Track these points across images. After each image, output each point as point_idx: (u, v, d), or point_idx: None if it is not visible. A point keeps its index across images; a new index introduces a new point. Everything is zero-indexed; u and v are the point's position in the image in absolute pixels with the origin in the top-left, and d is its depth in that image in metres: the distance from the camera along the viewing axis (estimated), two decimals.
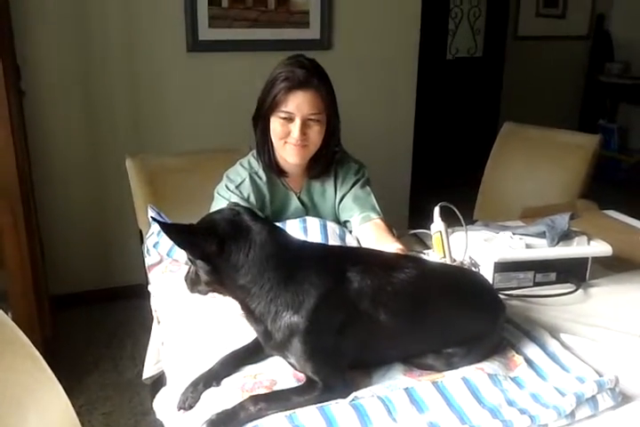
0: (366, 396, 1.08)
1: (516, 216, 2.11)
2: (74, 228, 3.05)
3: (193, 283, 1.20)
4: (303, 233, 1.60)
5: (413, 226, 1.84)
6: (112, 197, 3.00)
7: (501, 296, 1.39)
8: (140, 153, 2.34)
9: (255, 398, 1.07)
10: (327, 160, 1.72)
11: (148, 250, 1.76)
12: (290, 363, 1.15)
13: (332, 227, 1.66)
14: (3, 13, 2.40)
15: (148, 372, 1.75)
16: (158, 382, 1.71)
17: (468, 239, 1.52)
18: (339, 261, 1.16)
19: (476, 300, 1.25)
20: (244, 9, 3.04)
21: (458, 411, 1.05)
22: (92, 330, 2.90)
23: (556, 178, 2.57)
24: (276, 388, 1.12)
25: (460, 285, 1.27)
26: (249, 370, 1.19)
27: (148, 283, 1.74)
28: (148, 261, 1.75)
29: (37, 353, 1.05)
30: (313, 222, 1.65)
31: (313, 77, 1.57)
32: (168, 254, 1.70)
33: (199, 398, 1.14)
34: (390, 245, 1.54)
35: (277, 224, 1.55)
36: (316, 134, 1.61)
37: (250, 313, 1.13)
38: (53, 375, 1.08)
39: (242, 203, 1.61)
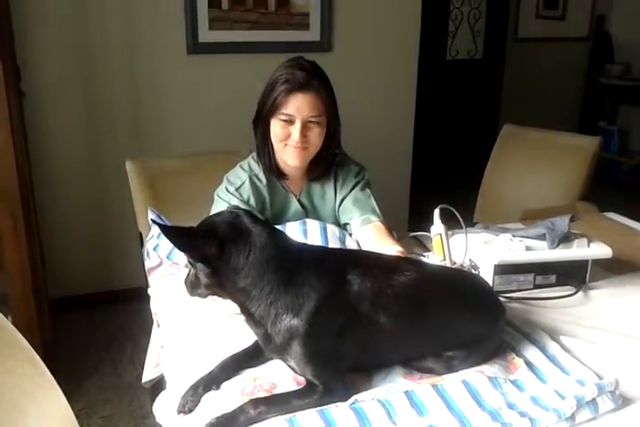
0: (366, 399, 1.08)
1: (516, 218, 2.11)
2: (74, 230, 3.05)
3: (193, 286, 1.20)
4: (303, 236, 1.60)
5: (413, 228, 1.84)
6: (112, 200, 3.00)
7: (501, 299, 1.39)
8: (140, 155, 2.34)
9: (255, 402, 1.06)
10: (327, 162, 1.72)
11: (147, 253, 1.76)
12: (290, 366, 1.15)
13: (332, 229, 1.66)
14: (3, 15, 2.41)
15: (148, 375, 1.75)
16: (158, 385, 1.70)
17: (467, 242, 1.52)
18: (339, 264, 1.16)
19: (476, 302, 1.25)
20: (244, 11, 3.04)
21: (458, 414, 1.05)
22: (92, 333, 2.89)
23: (555, 180, 2.57)
24: (275, 391, 1.12)
25: (460, 287, 1.27)
26: (249, 373, 1.19)
27: (147, 286, 1.74)
28: (148, 264, 1.75)
29: (37, 356, 1.05)
30: (313, 225, 1.65)
31: (313, 80, 1.57)
32: (168, 257, 1.70)
33: (199, 402, 1.14)
34: (390, 248, 1.54)
35: (277, 227, 1.55)
36: (316, 137, 1.61)
37: (250, 316, 1.13)
38: (53, 379, 1.08)
39: (242, 205, 1.62)
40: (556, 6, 5.31)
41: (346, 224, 1.74)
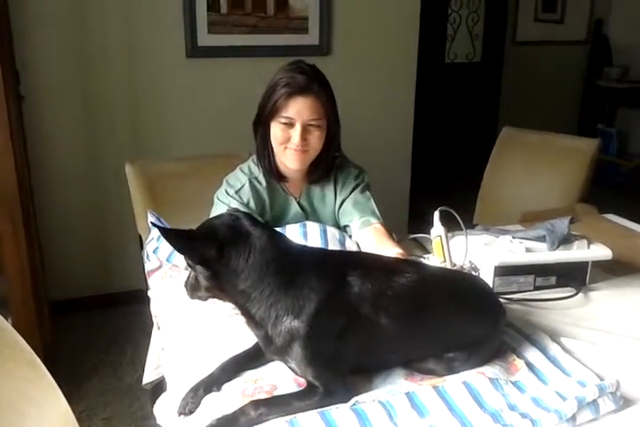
0: (367, 400, 1.08)
1: (516, 220, 2.11)
2: (73, 233, 3.05)
3: (193, 289, 1.20)
4: (303, 238, 1.60)
5: (413, 230, 1.84)
6: (111, 203, 3.00)
7: (502, 300, 1.39)
8: (139, 158, 2.34)
9: (256, 403, 1.06)
10: (327, 165, 1.72)
11: (147, 255, 1.76)
12: (290, 368, 1.15)
13: (332, 232, 1.66)
14: (2, 18, 2.41)
15: (149, 377, 1.75)
16: (158, 387, 1.70)
17: (467, 243, 1.52)
18: (339, 266, 1.16)
19: (477, 304, 1.25)
20: (243, 15, 3.04)
21: (459, 415, 1.05)
22: (92, 335, 2.89)
23: (555, 182, 2.58)
24: (276, 393, 1.12)
25: (460, 289, 1.27)
26: (249, 375, 1.19)
27: (147, 288, 1.74)
28: (148, 266, 1.75)
29: (37, 359, 1.05)
30: (313, 227, 1.65)
31: (313, 83, 1.57)
32: (168, 260, 1.70)
33: (199, 404, 1.14)
34: (390, 250, 1.54)
35: (277, 229, 1.55)
36: (316, 140, 1.61)
37: (250, 318, 1.13)
38: (53, 381, 1.08)
39: (241, 208, 1.61)
40: (555, 10, 5.32)
41: (346, 226, 1.74)
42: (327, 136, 1.64)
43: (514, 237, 1.59)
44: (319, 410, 1.06)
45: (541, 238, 1.58)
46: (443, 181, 4.70)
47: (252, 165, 1.75)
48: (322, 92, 1.59)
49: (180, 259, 1.63)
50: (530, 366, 1.20)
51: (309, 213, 1.76)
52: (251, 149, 1.78)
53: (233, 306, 1.17)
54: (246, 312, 1.13)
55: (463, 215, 1.53)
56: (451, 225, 1.52)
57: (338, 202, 1.76)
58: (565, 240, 1.57)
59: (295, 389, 1.12)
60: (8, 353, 1.01)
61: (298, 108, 1.57)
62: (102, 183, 3.01)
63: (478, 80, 5.16)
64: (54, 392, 1.08)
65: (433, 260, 1.53)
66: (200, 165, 2.32)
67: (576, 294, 1.55)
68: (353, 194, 1.74)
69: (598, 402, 1.08)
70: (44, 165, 2.89)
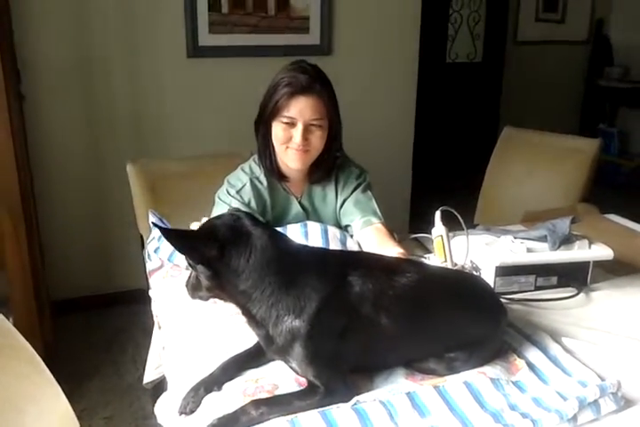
0: (368, 400, 1.08)
1: (517, 220, 2.11)
2: (74, 233, 3.05)
3: (194, 288, 1.20)
4: (304, 238, 1.60)
5: (414, 230, 1.84)
6: (112, 203, 3.00)
7: (503, 300, 1.39)
8: (140, 158, 2.34)
9: (257, 403, 1.06)
10: (328, 165, 1.72)
11: (148, 255, 1.76)
12: (291, 367, 1.15)
13: (333, 231, 1.66)
14: (3, 17, 2.41)
15: (149, 376, 1.75)
16: (159, 386, 1.70)
17: (469, 243, 1.52)
18: (340, 266, 1.16)
19: (478, 304, 1.25)
20: (244, 15, 3.04)
21: (460, 415, 1.05)
22: (93, 335, 2.89)
23: (556, 182, 2.57)
24: (277, 392, 1.12)
25: (461, 289, 1.27)
26: (250, 374, 1.19)
27: (148, 288, 1.74)
28: (149, 266, 1.75)
29: (38, 358, 1.05)
30: (314, 227, 1.65)
31: (315, 83, 1.57)
32: (169, 260, 1.70)
33: (200, 403, 1.14)
34: (391, 250, 1.54)
35: (278, 229, 1.55)
36: (317, 139, 1.61)
37: (251, 318, 1.13)
38: (53, 379, 1.08)
39: (242, 208, 1.62)
40: (556, 10, 5.32)
41: (347, 226, 1.74)
42: (329, 136, 1.64)
43: (515, 237, 1.59)
44: (320, 409, 1.06)
45: (543, 238, 1.58)
46: (444, 180, 4.70)
47: (253, 165, 1.75)
48: (324, 91, 1.59)
49: (181, 259, 1.63)
50: (531, 366, 1.20)
51: (310, 213, 1.76)
52: (251, 148, 1.78)
53: (234, 306, 1.17)
54: (247, 312, 1.13)
55: (464, 215, 1.53)
56: (452, 225, 1.52)
57: (339, 202, 1.76)
58: (567, 240, 1.57)
59: (296, 388, 1.12)
60: (9, 352, 1.01)
61: (300, 108, 1.57)
62: (103, 183, 3.01)
63: (479, 80, 5.16)
64: (54, 391, 1.08)
65: (434, 260, 1.53)
66: (201, 165, 2.32)
67: (577, 295, 1.55)
68: (354, 194, 1.74)
69: (599, 402, 1.08)
70: (45, 165, 2.89)
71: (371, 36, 3.30)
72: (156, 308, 1.66)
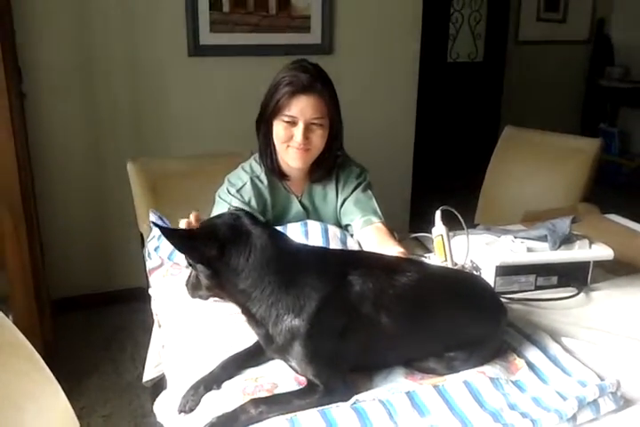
0: (367, 399, 1.08)
1: (518, 220, 2.11)
2: (75, 231, 3.05)
3: (194, 288, 1.20)
4: (304, 237, 1.60)
5: (414, 230, 1.85)
6: (113, 201, 3.00)
7: (503, 300, 1.38)
8: (141, 157, 2.34)
9: (256, 402, 1.06)
10: (329, 164, 1.72)
11: (149, 253, 1.76)
12: (291, 366, 1.15)
13: (334, 230, 1.66)
14: (4, 16, 2.41)
15: (149, 375, 1.75)
16: (158, 384, 1.70)
17: (469, 243, 1.52)
18: (340, 265, 1.16)
19: (478, 303, 1.25)
20: (245, 14, 3.04)
21: (459, 415, 1.05)
22: (93, 333, 2.90)
23: (557, 182, 2.57)
24: (277, 391, 1.12)
25: (461, 288, 1.27)
26: (250, 373, 1.19)
27: (148, 286, 1.74)
28: (149, 264, 1.75)
29: (38, 356, 1.05)
30: (314, 226, 1.65)
31: (316, 82, 1.57)
32: (169, 258, 1.70)
33: (200, 402, 1.14)
34: (391, 249, 1.54)
35: (279, 228, 1.55)
36: (318, 138, 1.61)
37: (251, 317, 1.13)
38: (53, 377, 1.08)
39: (243, 207, 1.62)
40: (557, 9, 5.32)
41: (347, 225, 1.74)
42: (329, 135, 1.64)
43: (515, 237, 1.59)
44: (319, 408, 1.06)
45: (543, 238, 1.58)
46: (444, 180, 4.70)
47: (253, 164, 1.75)
48: (325, 90, 1.59)
49: (181, 257, 1.63)
50: (530, 365, 1.20)
51: (311, 212, 1.76)
52: (252, 147, 1.78)
53: (234, 305, 1.17)
54: (247, 311, 1.13)
55: (464, 215, 1.53)
56: (452, 224, 1.52)
57: (339, 201, 1.76)
58: (567, 240, 1.57)
59: (295, 387, 1.12)
60: (9, 350, 1.01)
61: (301, 107, 1.57)
62: (104, 182, 3.01)
63: (480, 79, 5.16)
64: (54, 388, 1.08)
65: (434, 259, 1.53)
66: (202, 164, 2.32)
67: (577, 294, 1.55)
68: (354, 193, 1.74)
69: (599, 402, 1.08)
70: (46, 163, 2.89)
71: (372, 35, 3.30)
72: (156, 306, 1.66)
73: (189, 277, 1.22)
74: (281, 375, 1.16)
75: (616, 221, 2.10)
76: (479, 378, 1.13)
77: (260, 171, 1.73)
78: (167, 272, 1.68)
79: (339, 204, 1.76)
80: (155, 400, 1.40)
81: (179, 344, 1.39)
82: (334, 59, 3.22)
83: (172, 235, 1.10)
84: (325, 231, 1.63)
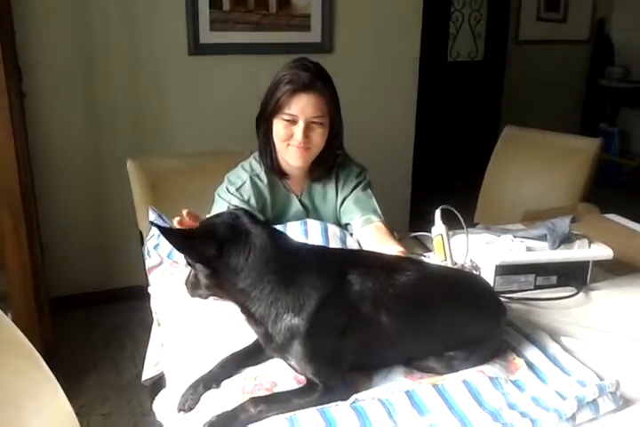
0: (367, 398, 1.08)
1: (517, 219, 2.11)
2: (74, 230, 3.05)
3: (193, 287, 1.20)
4: (304, 236, 1.60)
5: (414, 229, 1.85)
6: (112, 200, 3.00)
7: (502, 299, 1.39)
8: (140, 155, 2.35)
9: (255, 400, 1.06)
10: (329, 163, 1.72)
11: (148, 252, 1.76)
12: (290, 365, 1.15)
13: (333, 229, 1.66)
14: (4, 15, 2.41)
15: (148, 373, 1.75)
16: (158, 383, 1.71)
17: (468, 242, 1.52)
18: (339, 264, 1.16)
19: (478, 303, 1.25)
20: (245, 12, 3.04)
21: (458, 414, 1.05)
22: (92, 331, 2.90)
23: (557, 181, 2.57)
24: (276, 390, 1.12)
25: (461, 288, 1.27)
26: (249, 372, 1.19)
27: (148, 285, 1.74)
28: (149, 263, 1.75)
29: (37, 354, 1.05)
30: (314, 225, 1.65)
31: (317, 81, 1.57)
32: (168, 256, 1.70)
33: (199, 400, 1.14)
34: (391, 248, 1.54)
35: (278, 227, 1.55)
36: (318, 137, 1.61)
37: (250, 316, 1.13)
38: (52, 376, 1.08)
39: (242, 205, 1.62)
40: (557, 9, 5.32)
41: (347, 224, 1.74)
42: (329, 134, 1.63)
43: (515, 236, 1.59)
44: (319, 407, 1.06)
45: (542, 238, 1.58)
46: (444, 179, 4.70)
47: (253, 163, 1.75)
48: (325, 89, 1.59)
49: (180, 255, 1.63)
50: (530, 365, 1.20)
51: (310, 211, 1.76)
52: (252, 146, 1.78)
53: (233, 304, 1.17)
54: (246, 310, 1.13)
55: (464, 214, 1.53)
56: (452, 224, 1.52)
57: (339, 200, 1.76)
58: (566, 240, 1.57)
59: (295, 386, 1.12)
60: (7, 348, 1.01)
61: (301, 106, 1.57)
62: (103, 180, 3.01)
63: (480, 79, 5.16)
64: (53, 387, 1.08)
65: (434, 258, 1.53)
66: (201, 162, 2.32)
67: (577, 294, 1.55)
68: (354, 192, 1.74)
69: (598, 402, 1.08)
70: (46, 162, 2.89)
71: (372, 34, 3.30)
72: (156, 305, 1.66)
73: (188, 276, 1.22)
74: (280, 374, 1.16)
75: (616, 220, 2.10)
76: (478, 377, 1.13)
77: (259, 169, 1.72)
78: (166, 271, 1.68)
79: (338, 203, 1.76)
80: (154, 399, 1.40)
81: (178, 343, 1.39)
82: (334, 58, 3.22)
83: (170, 234, 1.10)
84: (325, 230, 1.63)
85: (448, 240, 1.49)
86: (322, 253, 1.24)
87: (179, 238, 1.10)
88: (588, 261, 1.60)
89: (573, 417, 1.05)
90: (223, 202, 1.67)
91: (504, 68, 5.16)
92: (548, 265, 1.57)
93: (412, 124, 3.54)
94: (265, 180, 1.71)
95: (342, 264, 1.16)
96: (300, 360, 1.10)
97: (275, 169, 1.70)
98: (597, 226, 1.94)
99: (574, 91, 5.53)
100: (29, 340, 1.04)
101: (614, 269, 1.68)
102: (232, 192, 1.69)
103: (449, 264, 1.48)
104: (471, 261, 1.57)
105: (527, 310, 1.47)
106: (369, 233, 1.66)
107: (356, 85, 3.22)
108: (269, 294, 1.09)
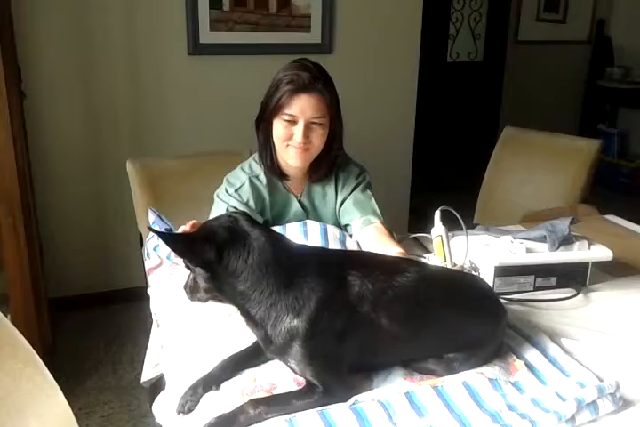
0: (366, 400, 1.08)
1: (517, 220, 2.11)
2: (73, 230, 3.05)
3: (192, 291, 1.20)
4: (304, 237, 1.60)
5: (413, 230, 1.84)
6: (112, 200, 3.00)
7: (502, 300, 1.38)
8: (140, 156, 2.34)
9: (255, 402, 1.06)
10: (329, 164, 1.72)
11: (147, 253, 1.76)
12: (290, 367, 1.14)
13: (333, 231, 1.66)
14: (4, 15, 2.40)
15: (147, 375, 1.75)
16: (157, 385, 1.70)
17: (468, 243, 1.52)
18: (339, 265, 1.16)
19: (477, 304, 1.25)
20: (245, 12, 3.04)
21: (458, 416, 1.05)
22: (91, 333, 2.89)
23: (556, 182, 2.57)
24: (275, 392, 1.12)
25: (460, 289, 1.26)
26: (249, 374, 1.19)
27: (147, 286, 1.74)
28: (148, 264, 1.75)
29: (36, 356, 1.05)
30: (313, 226, 1.65)
31: (317, 81, 1.57)
32: (168, 258, 1.70)
33: (198, 402, 1.14)
34: (391, 249, 1.54)
35: (278, 228, 1.55)
36: (318, 138, 1.61)
37: (250, 319, 1.13)
38: (52, 378, 1.08)
39: (241, 207, 1.62)
40: (557, 10, 5.32)
41: (346, 225, 1.74)
42: (329, 134, 1.63)
43: (514, 238, 1.59)
44: (318, 409, 1.06)
45: (542, 239, 1.58)
46: (444, 180, 4.70)
47: (253, 164, 1.74)
48: (325, 90, 1.59)
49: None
50: (529, 366, 1.20)
51: (310, 212, 1.76)
52: (251, 147, 1.77)
53: (232, 307, 1.17)
54: (246, 313, 1.13)
55: (464, 215, 1.53)
56: (451, 225, 1.52)
57: (339, 201, 1.75)
58: (566, 241, 1.57)
59: (294, 388, 1.12)
60: (6, 350, 1.01)
61: (301, 106, 1.56)
62: (103, 180, 3.01)
63: (480, 79, 5.16)
64: (52, 389, 1.08)
65: (433, 259, 1.53)
66: (201, 163, 2.32)
67: (576, 295, 1.55)
68: (354, 193, 1.74)
69: (597, 403, 1.08)
70: (45, 163, 2.89)
71: (372, 34, 3.30)
72: (155, 306, 1.66)
73: (187, 280, 1.22)
74: (280, 376, 1.16)
75: (615, 222, 2.11)
76: (478, 379, 1.13)
77: (259, 170, 1.72)
78: (166, 272, 1.68)
79: (338, 204, 1.76)
80: (153, 401, 1.40)
81: (177, 344, 1.38)
82: (334, 58, 3.21)
83: (169, 239, 1.10)
84: (324, 231, 1.63)
85: (448, 241, 1.49)
86: (321, 254, 1.24)
87: (177, 243, 1.10)
88: (588, 263, 1.61)
89: (573, 419, 1.05)
90: (222, 203, 1.67)
91: (504, 68, 5.16)
92: (547, 266, 1.57)
93: (412, 124, 3.54)
94: (264, 181, 1.71)
95: (342, 266, 1.16)
96: (299, 362, 1.10)
97: (274, 170, 1.69)
98: (597, 227, 1.94)
99: (574, 91, 5.53)
100: (28, 341, 1.04)
101: (613, 271, 1.68)
102: (231, 194, 1.68)
103: (448, 265, 1.48)
104: (471, 262, 1.57)
105: (527, 312, 1.47)
106: (368, 234, 1.66)
107: (355, 86, 3.22)
108: (269, 297, 1.09)
